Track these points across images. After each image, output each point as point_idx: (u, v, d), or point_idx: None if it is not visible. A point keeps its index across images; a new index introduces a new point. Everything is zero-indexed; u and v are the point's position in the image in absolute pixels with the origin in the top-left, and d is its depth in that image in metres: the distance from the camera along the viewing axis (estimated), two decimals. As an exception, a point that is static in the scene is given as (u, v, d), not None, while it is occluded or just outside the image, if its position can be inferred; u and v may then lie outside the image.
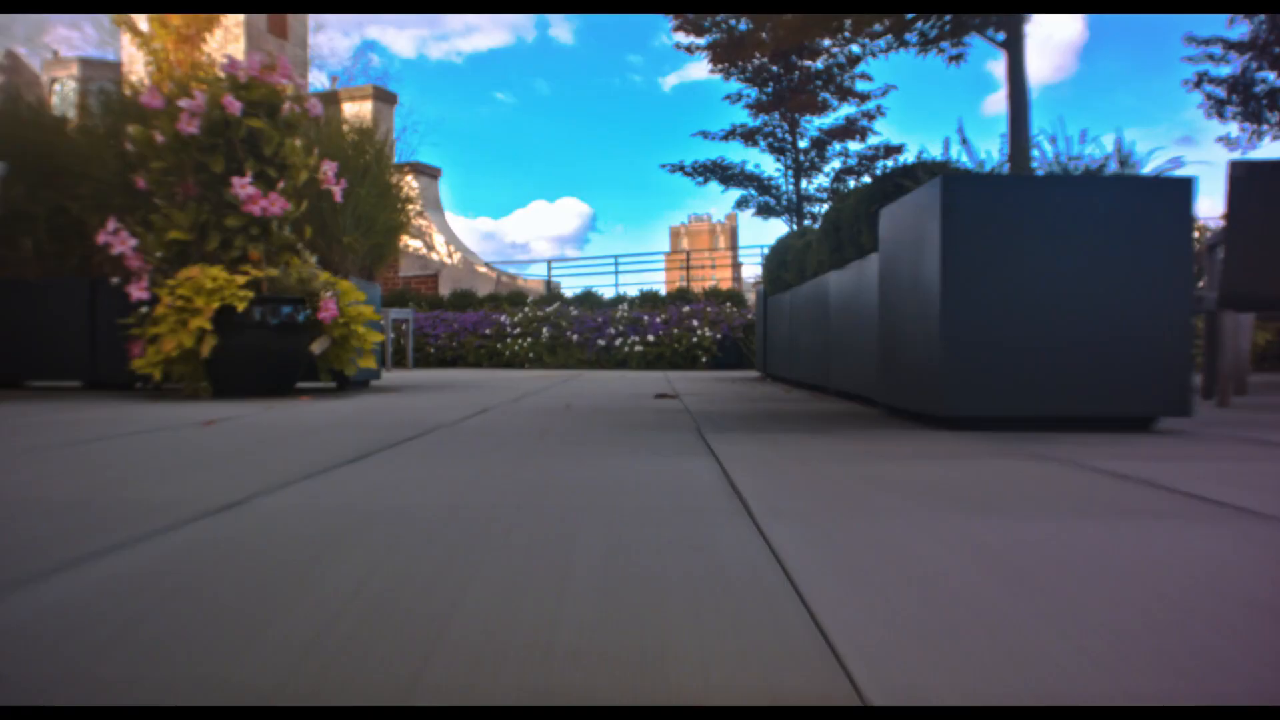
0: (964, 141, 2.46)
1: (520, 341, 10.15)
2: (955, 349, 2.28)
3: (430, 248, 12.23)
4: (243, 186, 3.60)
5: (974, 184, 2.33)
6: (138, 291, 3.61)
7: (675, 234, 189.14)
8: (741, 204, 12.75)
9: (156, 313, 3.52)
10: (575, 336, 9.95)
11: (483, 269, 11.96)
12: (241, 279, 3.60)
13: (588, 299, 10.69)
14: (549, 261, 11.54)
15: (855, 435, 2.20)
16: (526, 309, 10.43)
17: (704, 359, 9.42)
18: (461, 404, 3.50)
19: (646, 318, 9.81)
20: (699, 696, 0.56)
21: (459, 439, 2.09)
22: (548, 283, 11.76)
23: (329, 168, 4.06)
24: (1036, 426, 2.35)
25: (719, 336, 9.40)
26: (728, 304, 9.83)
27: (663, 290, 11.22)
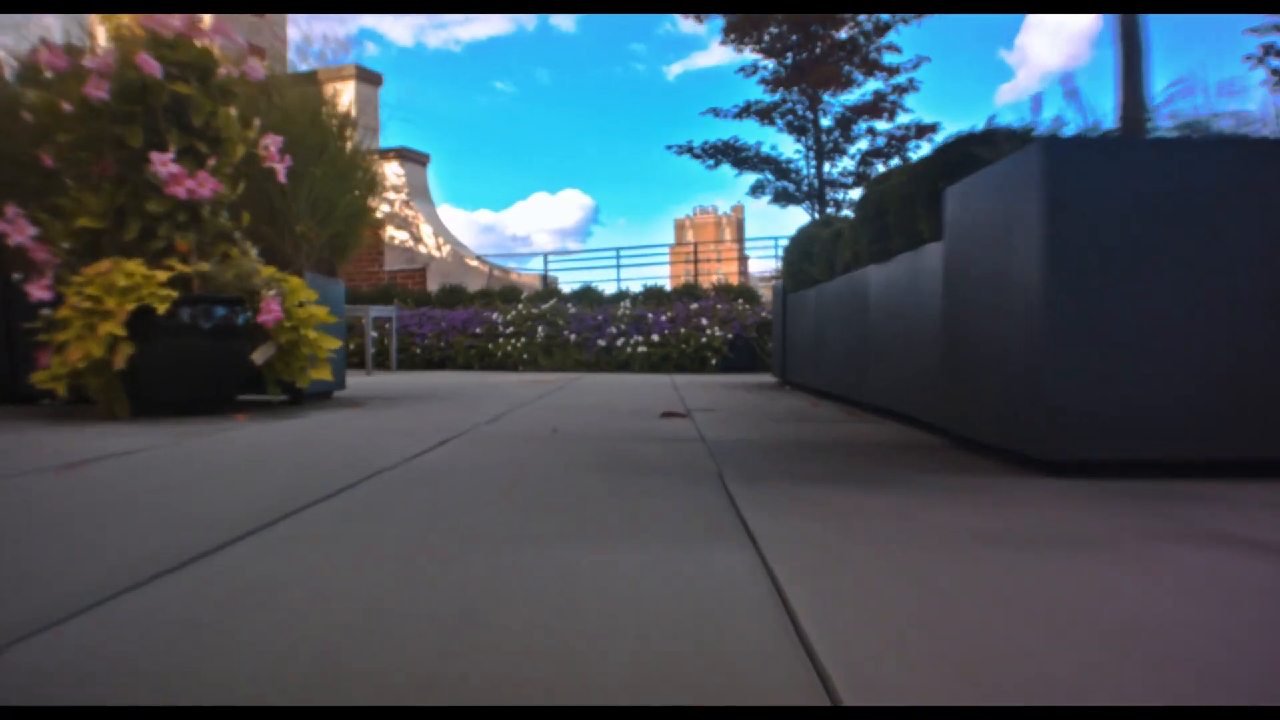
0: (1073, 96, 1.86)
1: (513, 342, 9.59)
2: (1067, 371, 1.71)
3: (417, 240, 11.67)
4: (163, 163, 3.03)
5: (1094, 151, 1.75)
6: (38, 291, 3.06)
7: (680, 226, 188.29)
8: (757, 190, 12.09)
9: (58, 315, 2.96)
10: (573, 336, 9.38)
11: (474, 263, 11.40)
12: (164, 275, 3.04)
13: (586, 295, 10.12)
14: (545, 255, 10.97)
15: (934, 488, 1.63)
16: (520, 306, 9.87)
17: (714, 361, 8.86)
18: (427, 426, 2.93)
19: (651, 316, 9.25)
20: None
21: (391, 498, 1.53)
22: (544, 278, 11.20)
23: (271, 142, 3.49)
24: (1159, 471, 1.78)
25: (730, 336, 8.83)
26: (739, 301, 9.26)
27: (667, 285, 10.64)
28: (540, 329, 9.53)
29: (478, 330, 9.88)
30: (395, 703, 0.65)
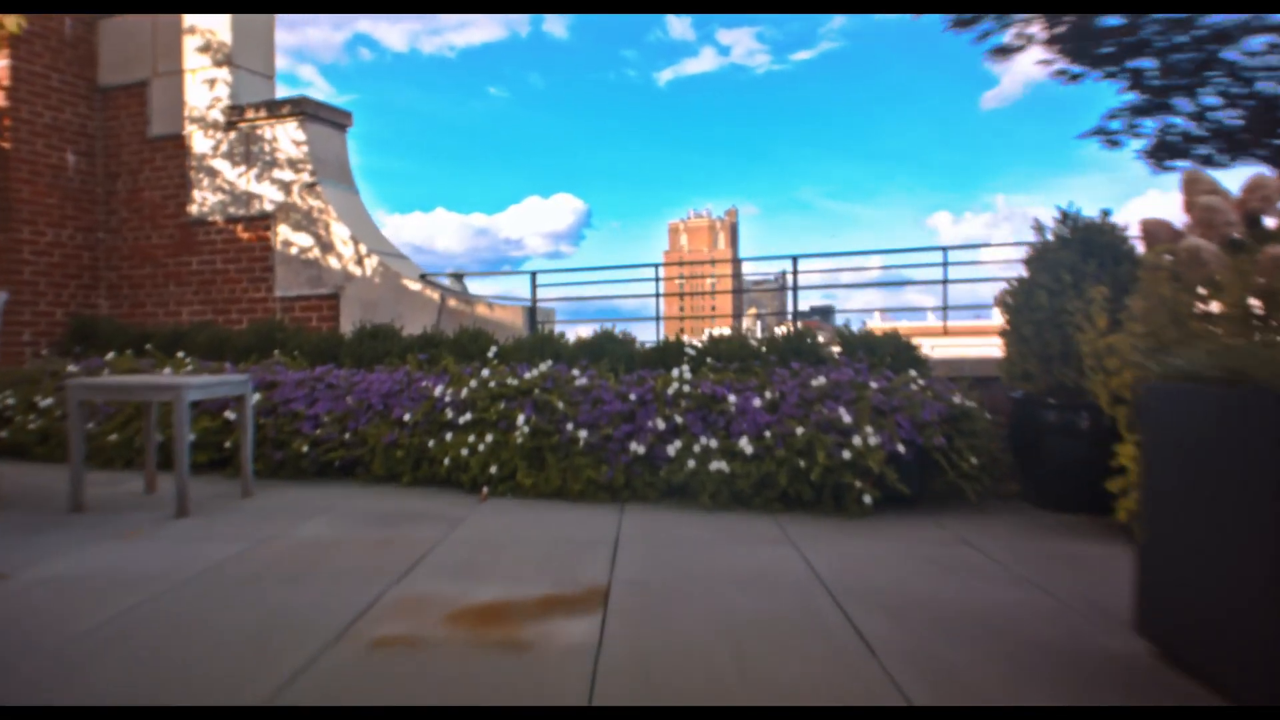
0: None
1: (471, 438, 5.20)
2: None
3: (325, 248, 7.24)
4: None
5: None
6: None
7: (674, 230, 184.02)
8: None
9: None
10: (583, 433, 4.99)
11: (416, 286, 6.97)
12: None
13: (606, 348, 5.73)
14: (533, 274, 6.58)
15: None
16: (487, 371, 5.45)
17: (865, 494, 4.50)
18: None
19: (734, 399, 4.86)
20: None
21: None
22: (531, 311, 6.77)
23: None
24: None
25: (897, 447, 4.48)
26: (911, 375, 4.89)
27: (663, 283, 6.27)
28: (523, 415, 5.14)
29: (405, 418, 5.48)
30: None
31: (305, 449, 5.74)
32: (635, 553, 3.79)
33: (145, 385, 4.64)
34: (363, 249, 7.18)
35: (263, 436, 5.89)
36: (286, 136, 7.45)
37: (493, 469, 5.16)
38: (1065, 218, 4.83)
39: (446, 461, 5.32)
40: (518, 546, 3.92)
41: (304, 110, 7.37)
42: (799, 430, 4.66)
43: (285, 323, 7.40)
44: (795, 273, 6.15)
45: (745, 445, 4.72)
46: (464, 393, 5.38)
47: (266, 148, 7.53)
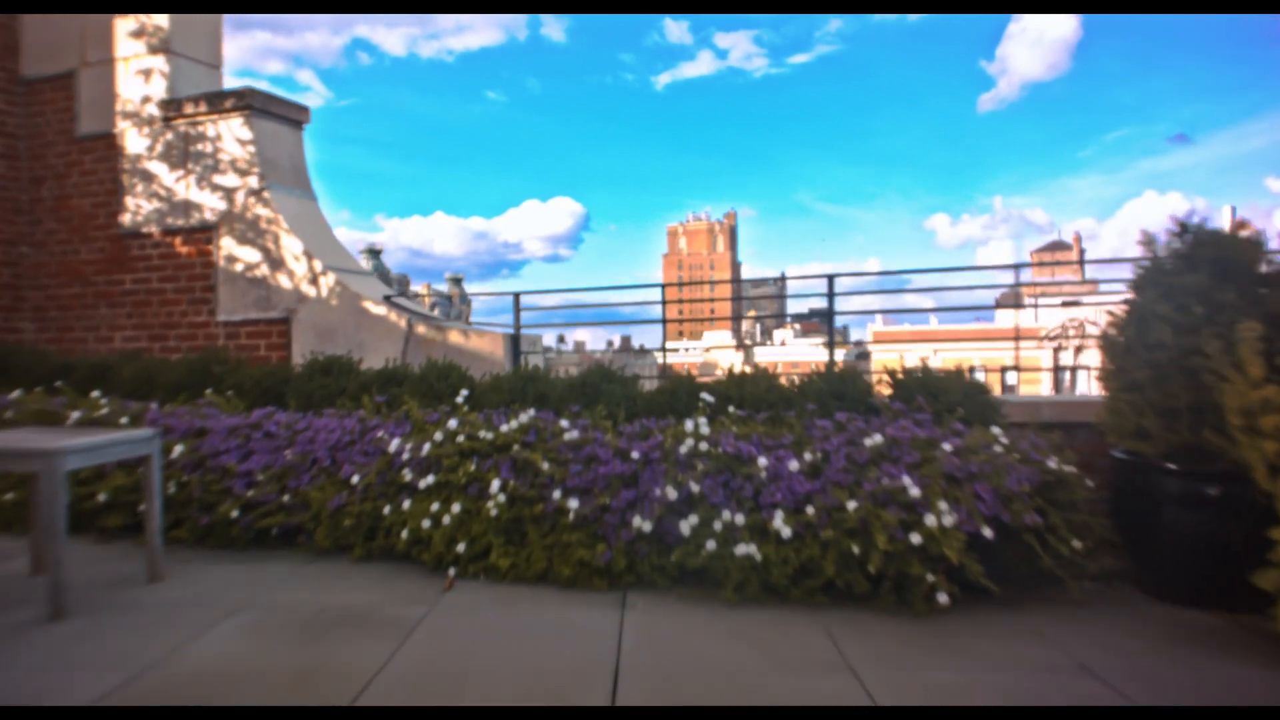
0: None
1: (434, 505, 4.17)
2: None
3: (275, 264, 6.22)
4: None
5: None
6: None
7: (672, 234, 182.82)
8: None
9: None
10: (575, 502, 3.96)
11: (380, 309, 5.94)
12: None
13: (602, 388, 4.71)
14: (516, 295, 5.55)
15: None
16: (455, 421, 4.42)
17: (939, 590, 3.48)
18: None
19: (766, 462, 3.84)
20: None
21: None
22: (514, 340, 5.73)
23: None
24: None
25: (981, 529, 3.46)
26: (992, 432, 3.86)
27: (666, 306, 5.31)
28: (498, 479, 4.12)
29: (354, 479, 4.45)
30: None
31: (236, 513, 4.71)
32: (641, 690, 2.76)
33: (7, 451, 3.61)
34: (318, 265, 6.14)
35: (187, 496, 4.86)
36: (230, 134, 6.42)
37: (460, 547, 4.13)
38: (1184, 230, 3.80)
39: (402, 535, 4.28)
40: (482, 680, 2.89)
41: (250, 104, 6.33)
42: (850, 504, 3.63)
43: (229, 352, 6.37)
44: (832, 294, 5.12)
45: (780, 523, 3.69)
46: (426, 448, 4.34)
47: (208, 147, 6.50)
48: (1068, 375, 56.31)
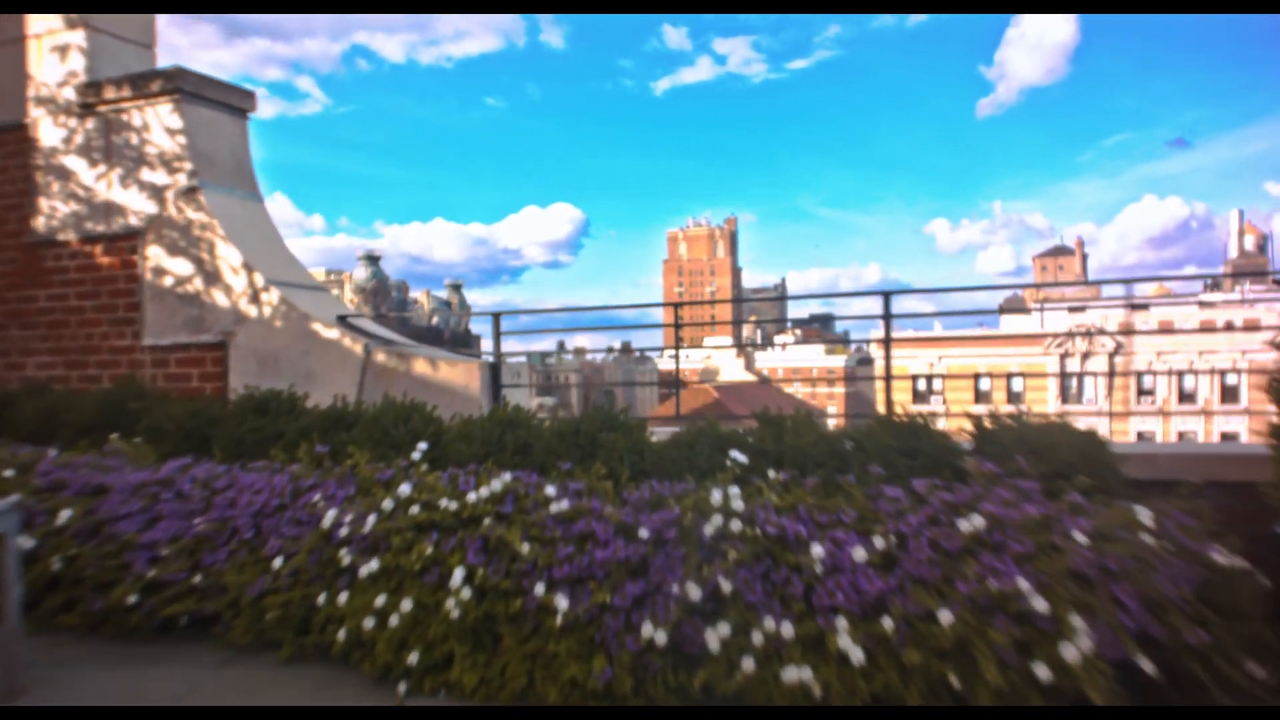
0: None
1: (379, 599, 3.14)
2: None
3: (209, 278, 5.22)
4: None
5: None
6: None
7: (673, 239, 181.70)
8: None
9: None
10: (563, 599, 2.94)
11: (333, 333, 4.93)
12: None
13: (601, 439, 3.68)
14: (496, 315, 4.52)
15: None
16: (409, 486, 3.39)
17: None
18: None
19: (819, 548, 2.82)
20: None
21: None
22: (493, 368, 4.71)
23: None
24: None
25: (1124, 654, 2.43)
26: (1131, 510, 2.82)
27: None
28: (463, 565, 3.11)
29: (275, 563, 3.44)
30: None
31: (134, 598, 3.69)
32: None
33: None
34: (259, 280, 5.13)
35: (78, 573, 3.85)
36: (159, 123, 5.41)
37: (413, 655, 3.12)
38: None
39: (335, 632, 3.27)
40: None
41: (180, 86, 5.32)
42: (941, 614, 2.62)
43: (156, 382, 5.36)
44: (889, 316, 4.11)
45: (845, 639, 2.68)
46: (371, 520, 3.33)
47: (134, 139, 5.49)
48: (1074, 381, 55.37)
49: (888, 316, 4.09)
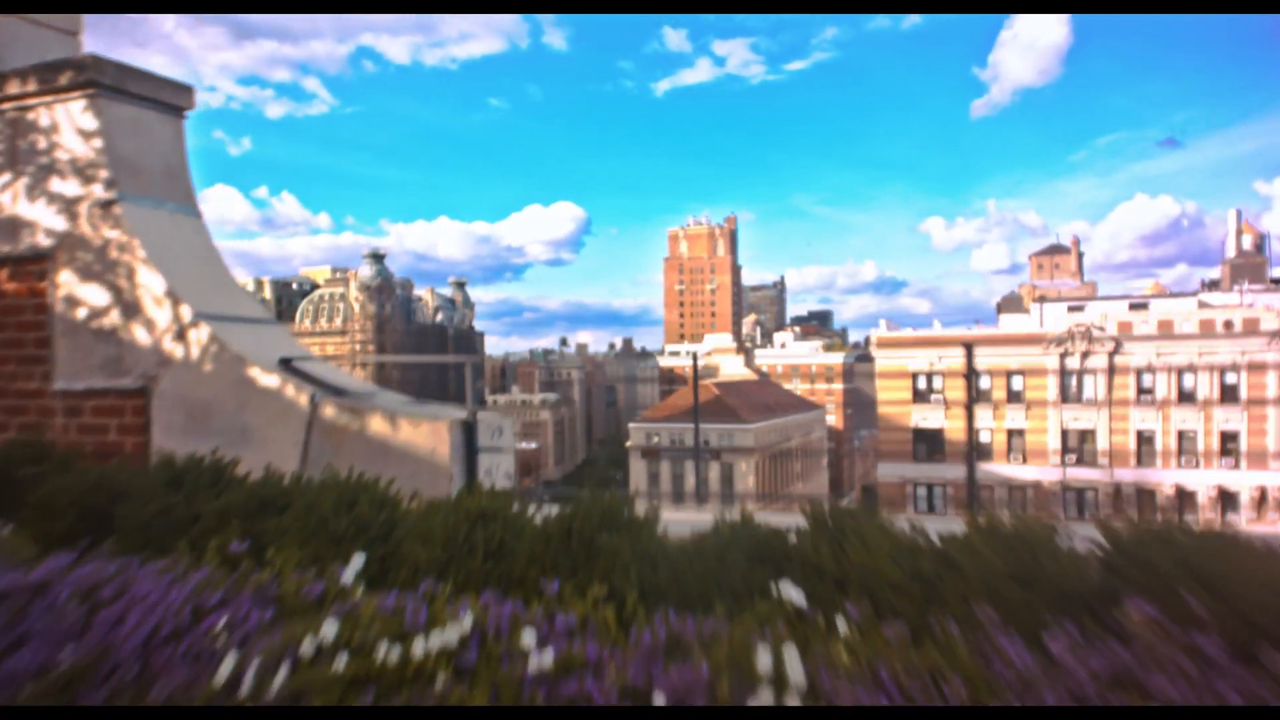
0: None
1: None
2: None
3: (129, 310, 4.26)
4: None
5: None
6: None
7: (673, 238, 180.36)
8: None
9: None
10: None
11: (272, 380, 3.98)
12: None
13: (600, 543, 2.73)
14: (469, 363, 3.71)
15: None
16: (333, 627, 2.43)
17: None
18: None
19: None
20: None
21: None
22: (466, 433, 3.75)
23: None
24: None
25: None
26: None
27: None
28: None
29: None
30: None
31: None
32: None
33: None
34: (185, 313, 4.19)
35: (-78, 708, 2.92)
36: (70, 123, 4.47)
37: None
38: None
39: (241, 836, 2.34)
40: None
41: (95, 79, 4.38)
42: None
43: (68, 434, 4.42)
44: (972, 374, 3.21)
45: None
46: (282, 673, 2.40)
47: (42, 142, 4.56)
48: (1074, 380, 54.40)
49: (971, 375, 3.18)
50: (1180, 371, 52.65)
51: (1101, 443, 54.24)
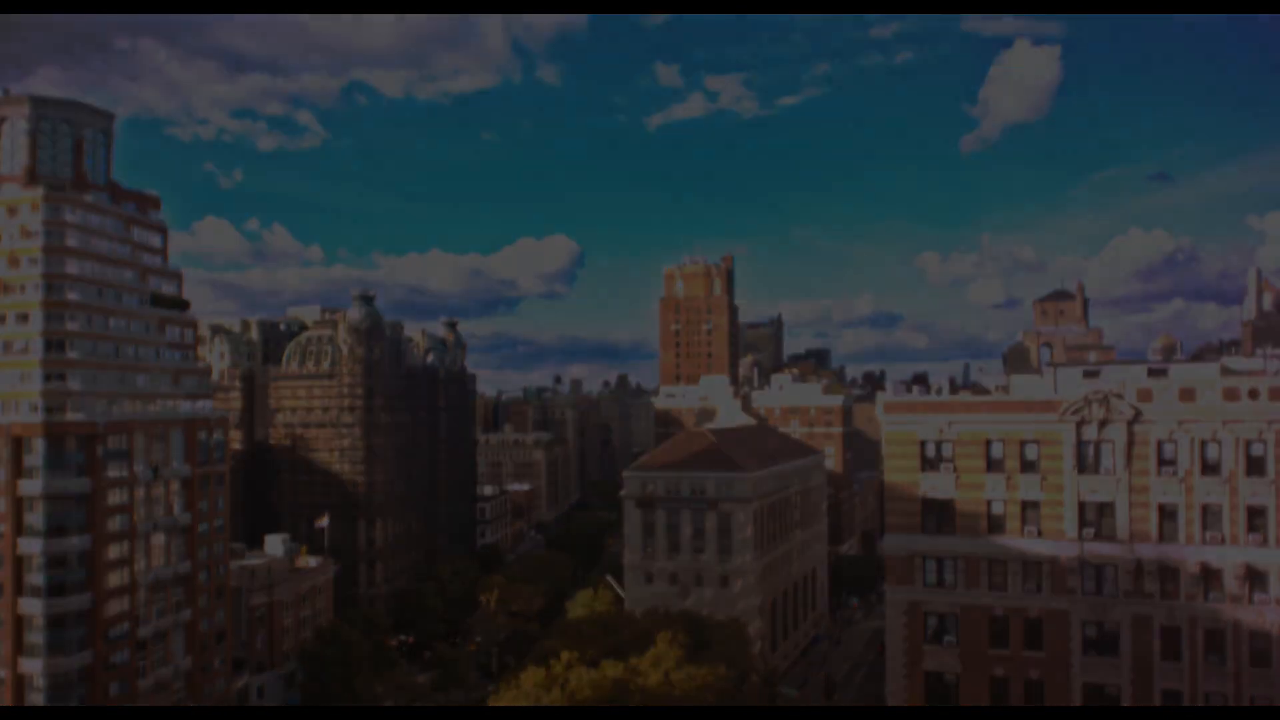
0: None
1: None
2: None
3: None
4: None
5: None
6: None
7: (669, 277, 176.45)
8: None
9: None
10: None
11: None
12: None
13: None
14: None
15: None
16: None
17: None
18: None
19: None
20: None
21: None
22: None
23: None
24: None
25: None
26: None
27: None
28: None
29: None
30: None
31: None
32: None
33: None
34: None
35: None
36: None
37: None
38: None
39: None
40: None
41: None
42: None
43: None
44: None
45: None
46: None
47: None
48: (1091, 449, 49.74)
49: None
50: (1204, 442, 48.08)
51: (1121, 516, 49.30)
